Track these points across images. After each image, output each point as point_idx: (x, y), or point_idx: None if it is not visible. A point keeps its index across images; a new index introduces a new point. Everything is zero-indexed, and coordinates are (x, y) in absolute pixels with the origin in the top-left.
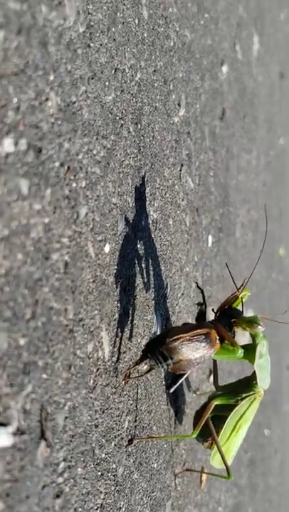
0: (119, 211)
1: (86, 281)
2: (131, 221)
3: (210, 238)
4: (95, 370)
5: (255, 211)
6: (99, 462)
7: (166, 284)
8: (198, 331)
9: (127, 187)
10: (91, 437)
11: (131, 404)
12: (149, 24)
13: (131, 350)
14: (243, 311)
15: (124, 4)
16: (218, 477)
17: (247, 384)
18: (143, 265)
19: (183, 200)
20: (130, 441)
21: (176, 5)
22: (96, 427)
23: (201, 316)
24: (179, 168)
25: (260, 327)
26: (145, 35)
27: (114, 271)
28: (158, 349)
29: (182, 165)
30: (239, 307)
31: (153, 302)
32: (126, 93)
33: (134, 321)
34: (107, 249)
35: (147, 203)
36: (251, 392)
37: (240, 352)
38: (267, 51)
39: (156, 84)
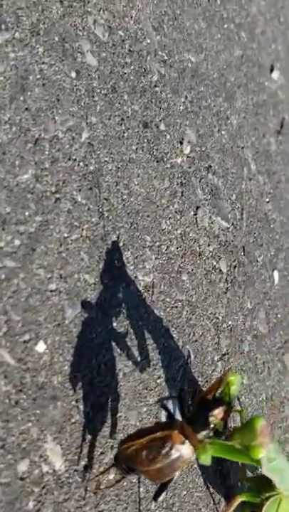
0: (64, 296)
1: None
2: (94, 300)
3: (275, 274)
4: (37, 490)
5: None
6: None
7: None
8: (156, 435)
9: (84, 267)
10: None
11: None
12: None
13: (104, 453)
14: (230, 402)
15: None
16: None
17: (268, 481)
18: (124, 346)
19: (209, 245)
20: None
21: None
22: None
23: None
24: (192, 213)
25: (260, 448)
26: None
27: (65, 367)
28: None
29: (198, 207)
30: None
31: (132, 394)
32: None
33: (104, 420)
34: (41, 348)
35: (128, 268)
36: (274, 492)
37: (208, 459)
38: None
39: None
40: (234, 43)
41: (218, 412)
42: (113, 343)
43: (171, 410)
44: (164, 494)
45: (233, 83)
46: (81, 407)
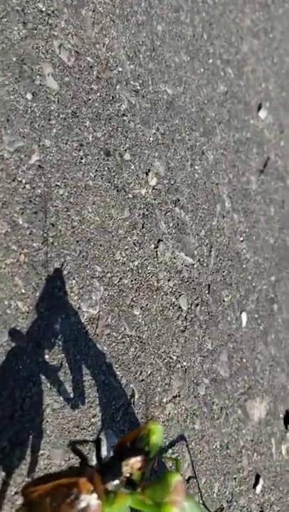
0: None
1: None
2: (26, 329)
3: (244, 316)
4: None
5: None
6: None
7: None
8: (62, 481)
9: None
10: None
11: None
12: None
13: (18, 493)
14: (149, 452)
15: None
16: None
17: None
18: (55, 380)
19: (169, 280)
20: None
21: None
22: None
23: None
24: (153, 246)
25: (171, 507)
26: None
27: None
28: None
29: (160, 240)
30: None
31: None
32: None
33: (22, 457)
34: None
35: (71, 298)
36: None
37: (121, 508)
38: None
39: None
40: (219, 78)
41: (133, 462)
42: (43, 377)
43: (84, 455)
44: None
45: (214, 118)
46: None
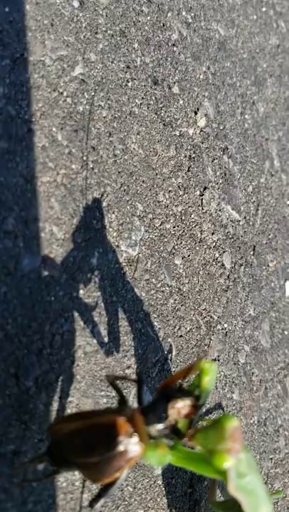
0: (20, 242)
1: None
2: (60, 258)
3: (288, 285)
4: None
5: None
6: None
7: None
8: (98, 419)
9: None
10: None
11: None
12: None
13: (43, 441)
14: (199, 396)
15: None
16: None
17: (237, 507)
18: (90, 320)
19: (213, 234)
20: None
21: None
22: None
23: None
24: (198, 192)
25: (227, 455)
26: None
27: (8, 326)
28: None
29: (206, 188)
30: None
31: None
32: None
33: (49, 401)
34: None
35: (109, 234)
36: None
37: (156, 462)
38: None
39: None
40: (271, 29)
41: (181, 406)
42: (76, 314)
43: (123, 393)
44: (102, 501)
45: (265, 70)
46: (21, 378)
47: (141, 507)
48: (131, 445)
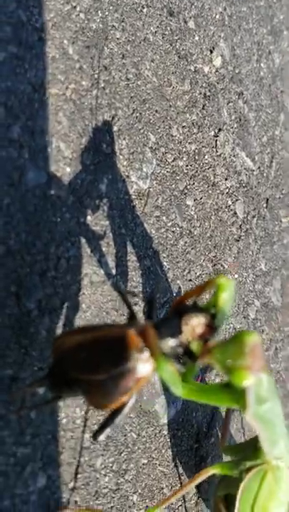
0: (26, 154)
1: None
2: (67, 178)
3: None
4: None
5: None
6: None
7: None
8: (107, 331)
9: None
10: None
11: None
12: None
13: (43, 369)
14: (216, 315)
15: None
16: None
17: (254, 446)
18: (98, 249)
19: (227, 179)
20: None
21: None
22: None
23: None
24: (213, 133)
25: (247, 372)
26: None
27: (11, 241)
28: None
29: (220, 129)
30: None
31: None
32: None
33: (51, 326)
34: None
35: (119, 161)
36: (257, 461)
37: (173, 376)
38: None
39: None
40: None
41: (195, 324)
42: (83, 240)
43: (133, 308)
44: (106, 432)
45: (281, 21)
46: (23, 299)
47: (145, 456)
48: (141, 361)
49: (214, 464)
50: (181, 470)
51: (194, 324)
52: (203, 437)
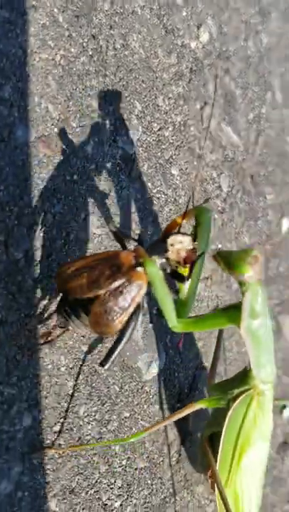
0: (15, 112)
1: None
2: (55, 137)
3: (285, 222)
4: None
5: None
6: None
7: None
8: (103, 254)
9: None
10: None
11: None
12: None
13: (52, 302)
14: (195, 239)
15: None
16: None
17: (243, 374)
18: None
19: (212, 152)
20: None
21: None
22: None
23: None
24: (198, 106)
25: (249, 266)
26: None
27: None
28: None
29: (206, 103)
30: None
31: None
32: None
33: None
34: None
35: (105, 126)
36: (245, 387)
37: (155, 274)
38: None
39: None
40: None
41: (179, 241)
42: (69, 198)
43: (125, 243)
44: (112, 358)
45: (270, 3)
46: (10, 248)
47: (127, 409)
48: (135, 275)
49: (200, 400)
50: (162, 427)
51: (178, 248)
52: (185, 397)
